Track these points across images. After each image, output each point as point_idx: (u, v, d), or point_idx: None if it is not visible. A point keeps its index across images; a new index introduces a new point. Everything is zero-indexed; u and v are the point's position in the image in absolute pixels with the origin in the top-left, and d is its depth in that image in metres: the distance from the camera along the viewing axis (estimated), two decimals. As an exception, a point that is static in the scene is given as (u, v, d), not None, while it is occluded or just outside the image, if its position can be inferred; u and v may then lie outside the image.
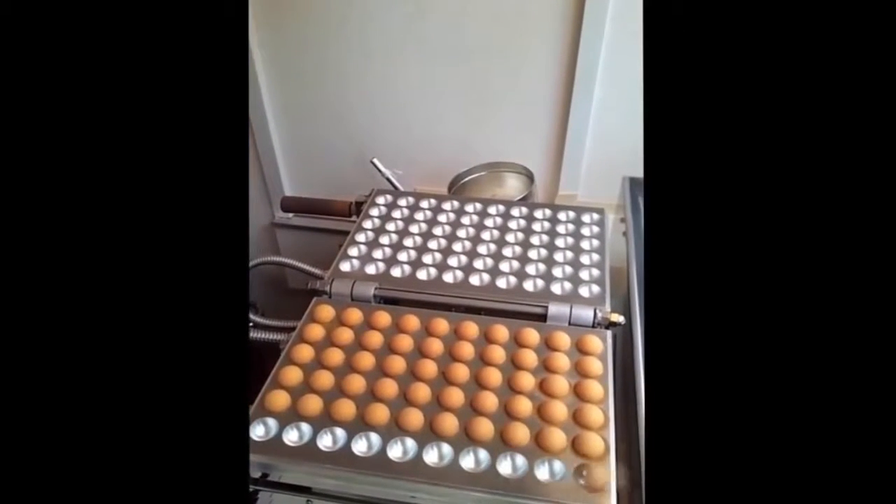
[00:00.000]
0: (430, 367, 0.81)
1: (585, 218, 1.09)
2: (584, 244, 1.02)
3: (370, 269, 0.98)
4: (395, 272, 0.98)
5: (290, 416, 0.75)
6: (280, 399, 0.77)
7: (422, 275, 0.97)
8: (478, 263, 0.99)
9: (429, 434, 0.73)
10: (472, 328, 0.86)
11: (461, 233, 1.06)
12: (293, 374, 0.80)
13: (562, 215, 1.09)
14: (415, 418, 0.74)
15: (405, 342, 0.85)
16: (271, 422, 0.74)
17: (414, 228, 1.07)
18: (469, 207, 1.12)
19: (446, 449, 0.71)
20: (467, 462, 0.69)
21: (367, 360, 0.82)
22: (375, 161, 1.34)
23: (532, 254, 1.00)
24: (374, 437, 0.72)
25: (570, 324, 0.88)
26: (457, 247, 1.02)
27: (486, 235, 1.05)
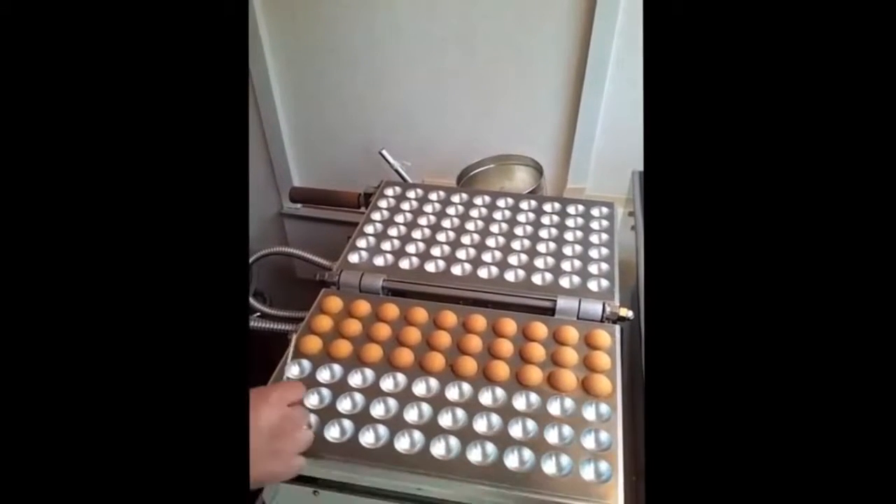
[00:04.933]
0: (437, 360, 0.81)
1: (595, 212, 1.08)
2: (594, 238, 1.02)
3: (378, 261, 0.98)
4: (404, 264, 0.98)
5: (298, 407, 0.75)
6: (288, 390, 0.77)
7: (430, 267, 0.97)
8: (486, 256, 0.98)
9: (436, 426, 0.73)
10: (480, 321, 0.86)
11: (470, 225, 1.05)
12: (301, 365, 0.81)
13: (571, 209, 1.09)
14: (423, 410, 0.75)
15: (413, 334, 0.84)
16: (279, 412, 0.74)
17: (422, 220, 1.07)
18: (478, 200, 1.11)
19: (453, 441, 0.71)
20: (474, 455, 0.69)
21: (375, 352, 0.82)
22: (384, 152, 1.33)
23: (541, 247, 1.00)
24: (382, 429, 0.72)
25: (578, 318, 0.87)
26: (465, 239, 1.02)
27: (494, 228, 1.04)
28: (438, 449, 0.70)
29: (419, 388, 0.78)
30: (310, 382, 0.78)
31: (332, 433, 0.72)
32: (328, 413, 0.74)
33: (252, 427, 0.57)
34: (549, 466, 0.68)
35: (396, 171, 1.33)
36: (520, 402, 0.76)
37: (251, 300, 1.06)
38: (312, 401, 0.76)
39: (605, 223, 1.05)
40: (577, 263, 0.96)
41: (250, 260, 1.11)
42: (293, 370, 0.80)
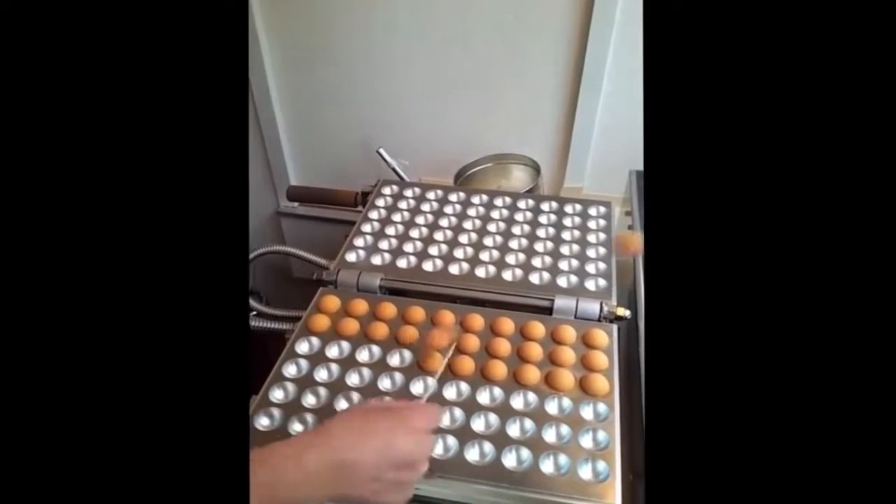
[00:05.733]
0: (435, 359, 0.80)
1: (592, 211, 1.08)
2: (591, 237, 1.02)
3: (376, 260, 0.98)
4: (401, 263, 0.97)
5: (296, 407, 0.75)
6: (286, 389, 0.77)
7: (428, 266, 0.97)
8: (484, 255, 0.98)
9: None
10: (477, 320, 0.86)
11: (467, 224, 1.05)
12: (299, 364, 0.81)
13: (568, 208, 1.09)
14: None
15: (410, 333, 0.84)
16: (276, 412, 0.74)
17: (420, 219, 1.07)
18: (475, 199, 1.11)
19: (451, 441, 0.71)
20: (472, 454, 0.69)
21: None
22: (382, 151, 1.33)
23: (538, 246, 1.00)
24: (380, 429, 0.72)
25: (576, 317, 0.87)
26: (463, 238, 1.02)
27: (492, 227, 1.04)
28: (437, 448, 0.70)
29: (417, 388, 0.78)
30: (307, 381, 0.78)
31: (330, 432, 0.72)
32: (325, 412, 0.74)
33: (387, 452, 0.54)
34: (546, 466, 0.68)
35: (394, 170, 1.33)
36: (518, 402, 0.76)
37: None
38: (310, 400, 0.76)
39: (602, 222, 1.05)
40: (575, 263, 0.96)
41: (247, 259, 1.11)
42: (290, 369, 0.80)
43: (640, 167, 1.22)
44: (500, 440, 0.71)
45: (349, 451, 0.53)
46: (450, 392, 0.77)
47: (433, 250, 1.00)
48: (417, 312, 0.88)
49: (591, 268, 0.95)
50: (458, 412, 0.74)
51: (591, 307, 0.87)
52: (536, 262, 0.97)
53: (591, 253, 0.98)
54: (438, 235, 1.03)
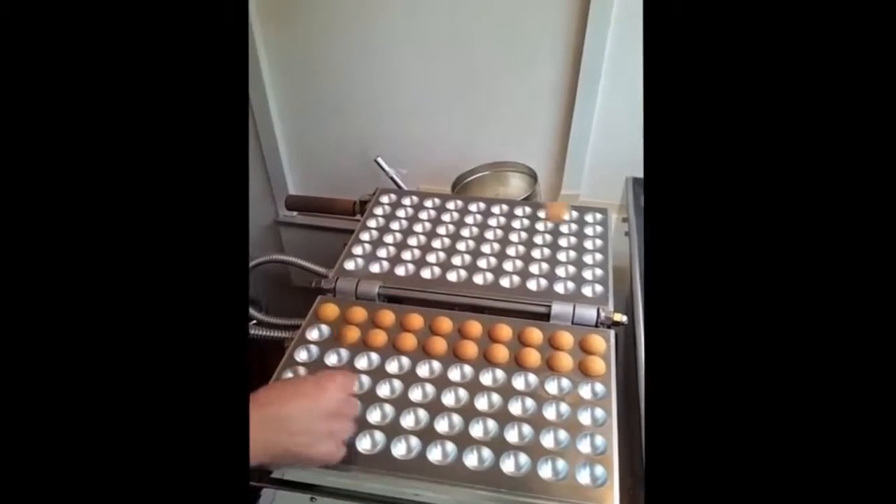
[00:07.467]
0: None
1: (588, 218, 1.09)
2: (588, 244, 1.02)
3: (374, 268, 0.99)
4: (400, 271, 0.98)
5: (295, 414, 0.75)
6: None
7: (426, 274, 0.97)
8: (481, 262, 0.99)
9: (433, 432, 0.73)
10: (475, 327, 0.87)
11: (465, 232, 1.06)
12: (297, 372, 0.81)
13: (566, 215, 1.10)
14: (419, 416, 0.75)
15: (409, 341, 0.85)
16: (276, 419, 0.74)
17: (418, 227, 1.07)
18: (473, 207, 1.12)
19: (450, 447, 0.71)
20: (471, 460, 0.70)
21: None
22: (380, 160, 1.34)
23: (535, 253, 1.01)
24: (379, 435, 0.72)
25: (573, 323, 0.88)
26: (461, 246, 1.03)
27: (489, 235, 1.05)
28: (435, 454, 0.70)
29: (415, 394, 0.78)
30: (307, 389, 0.79)
31: (330, 439, 0.72)
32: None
33: (315, 405, 0.59)
34: (545, 471, 0.69)
35: (392, 179, 1.34)
36: (515, 407, 0.76)
37: (247, 308, 1.06)
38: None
39: (598, 229, 1.06)
40: (572, 269, 0.97)
41: (246, 267, 1.12)
42: (289, 376, 0.80)
43: (637, 174, 1.23)
44: (499, 445, 0.71)
45: (277, 406, 0.56)
46: (448, 398, 0.77)
47: (431, 258, 1.00)
48: (416, 320, 0.88)
49: (587, 274, 0.96)
50: (457, 418, 0.74)
51: (588, 313, 0.88)
52: (534, 268, 0.97)
53: (587, 259, 0.99)
54: (436, 243, 1.04)
